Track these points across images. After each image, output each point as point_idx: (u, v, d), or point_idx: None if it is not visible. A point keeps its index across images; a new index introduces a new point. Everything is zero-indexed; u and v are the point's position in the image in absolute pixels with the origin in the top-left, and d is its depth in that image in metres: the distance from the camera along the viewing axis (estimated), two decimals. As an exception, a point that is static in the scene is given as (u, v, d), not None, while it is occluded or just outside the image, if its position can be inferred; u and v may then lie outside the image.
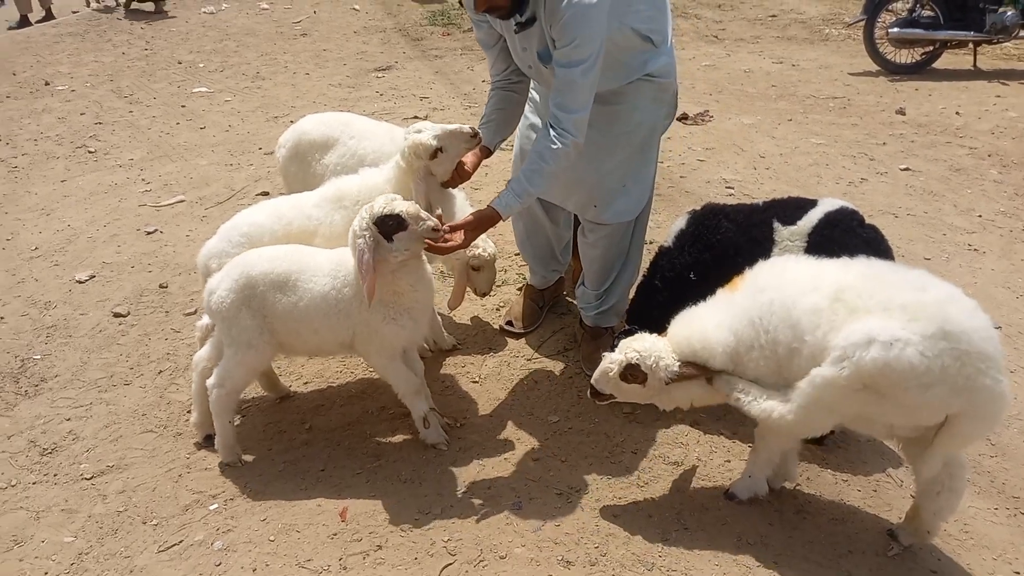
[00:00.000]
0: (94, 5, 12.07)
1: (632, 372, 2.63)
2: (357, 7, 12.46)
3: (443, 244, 2.75)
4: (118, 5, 11.94)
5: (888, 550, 2.60)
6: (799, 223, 2.94)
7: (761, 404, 2.43)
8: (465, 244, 2.84)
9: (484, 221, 2.88)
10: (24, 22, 11.21)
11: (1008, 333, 3.86)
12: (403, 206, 2.65)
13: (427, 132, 2.96)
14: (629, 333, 3.01)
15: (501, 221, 2.91)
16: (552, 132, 2.81)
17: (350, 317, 2.83)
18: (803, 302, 2.33)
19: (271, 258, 2.88)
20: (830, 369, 2.21)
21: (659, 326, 2.78)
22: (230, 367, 2.92)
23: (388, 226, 2.63)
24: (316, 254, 2.94)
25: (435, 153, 2.98)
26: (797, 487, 2.89)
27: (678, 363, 2.58)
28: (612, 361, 2.66)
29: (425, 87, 8.23)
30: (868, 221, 2.99)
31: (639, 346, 2.62)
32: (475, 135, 3.03)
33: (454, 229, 2.80)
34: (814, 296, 2.32)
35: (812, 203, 3.00)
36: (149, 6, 11.78)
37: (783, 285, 2.43)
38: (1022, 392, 3.39)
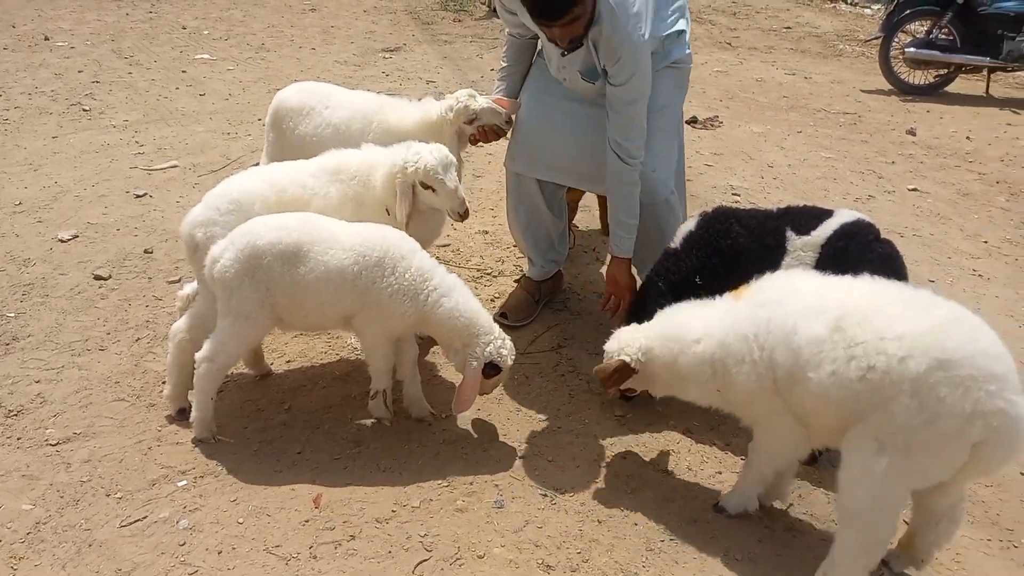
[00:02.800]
0: None
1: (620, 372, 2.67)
2: (369, -14, 12.32)
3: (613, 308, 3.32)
4: None
5: (878, 574, 2.50)
6: (813, 233, 2.83)
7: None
8: (629, 301, 3.25)
9: (621, 271, 3.27)
10: None
11: (1011, 362, 3.78)
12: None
13: (469, 98, 3.38)
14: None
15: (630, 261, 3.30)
16: (620, 162, 3.09)
17: (365, 293, 2.76)
18: (805, 330, 2.21)
19: (279, 227, 2.77)
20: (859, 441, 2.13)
21: None
22: (224, 339, 2.80)
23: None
24: (331, 224, 2.85)
25: (472, 119, 3.41)
26: (790, 507, 2.79)
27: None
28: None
29: (432, 71, 8.10)
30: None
31: (610, 347, 2.72)
32: (509, 122, 3.45)
33: (615, 296, 3.31)
34: (816, 324, 2.19)
35: (828, 213, 2.89)
36: None
37: (785, 304, 2.31)
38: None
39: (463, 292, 2.89)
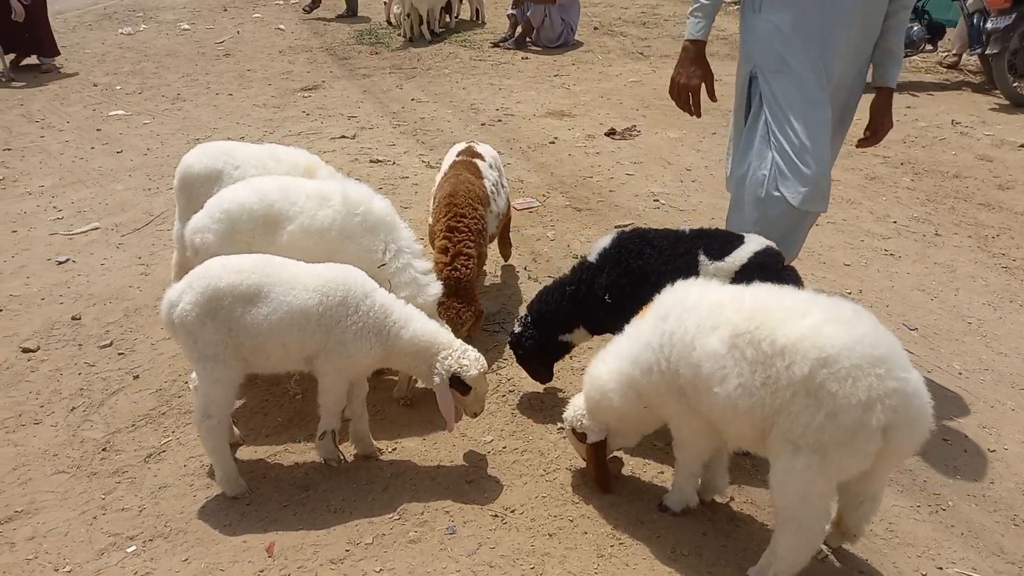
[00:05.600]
0: None
1: (577, 435, 2.90)
2: (282, 27, 12.30)
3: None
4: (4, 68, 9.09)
5: (817, 555, 2.63)
6: (726, 260, 2.86)
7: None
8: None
9: (888, 102, 3.27)
10: None
11: (924, 334, 4.00)
12: None
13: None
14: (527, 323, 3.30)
15: None
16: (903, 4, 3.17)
17: (329, 333, 2.78)
18: (703, 344, 2.32)
19: (239, 269, 2.77)
20: (777, 446, 2.24)
21: (563, 328, 3.24)
22: (206, 388, 2.78)
23: None
24: (290, 265, 2.87)
25: None
26: (731, 501, 2.90)
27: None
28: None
29: (353, 106, 8.14)
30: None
31: (567, 414, 2.93)
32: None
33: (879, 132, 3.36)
34: (713, 339, 2.30)
35: (740, 239, 2.93)
36: (33, 59, 9.50)
37: (684, 316, 2.41)
38: (941, 391, 3.51)
39: (420, 318, 2.94)
